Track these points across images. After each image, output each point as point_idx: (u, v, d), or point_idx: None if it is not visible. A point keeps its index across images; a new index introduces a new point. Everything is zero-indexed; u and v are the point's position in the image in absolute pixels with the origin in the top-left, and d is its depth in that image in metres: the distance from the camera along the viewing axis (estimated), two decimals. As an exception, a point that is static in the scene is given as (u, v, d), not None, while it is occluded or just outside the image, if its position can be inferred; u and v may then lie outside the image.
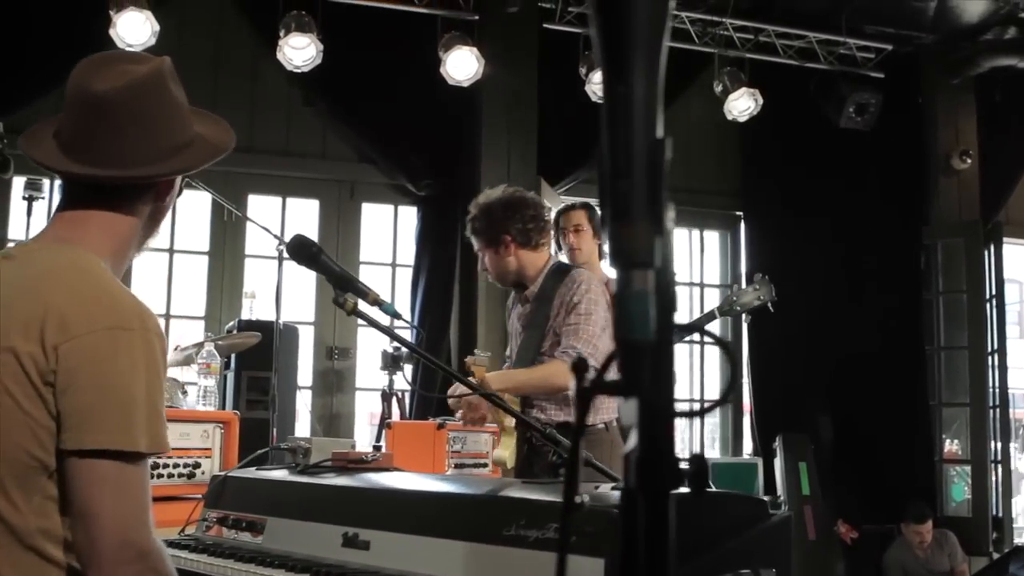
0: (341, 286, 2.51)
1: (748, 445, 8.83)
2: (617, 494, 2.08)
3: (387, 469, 2.84)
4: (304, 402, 7.76)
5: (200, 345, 4.85)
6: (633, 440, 0.76)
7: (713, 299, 9.05)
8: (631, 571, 0.73)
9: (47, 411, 1.80)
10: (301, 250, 2.56)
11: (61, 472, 1.82)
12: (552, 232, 5.28)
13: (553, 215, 5.50)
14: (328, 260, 2.54)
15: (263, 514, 2.69)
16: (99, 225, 2.01)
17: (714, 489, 2.41)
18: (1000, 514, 8.97)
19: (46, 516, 1.83)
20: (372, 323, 2.55)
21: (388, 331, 2.62)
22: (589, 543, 1.90)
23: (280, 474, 2.87)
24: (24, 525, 1.81)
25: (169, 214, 2.19)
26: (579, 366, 0.79)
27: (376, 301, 2.54)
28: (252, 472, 2.95)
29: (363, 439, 7.37)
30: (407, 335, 7.46)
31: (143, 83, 2.00)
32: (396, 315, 2.63)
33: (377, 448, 2.87)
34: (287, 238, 5.86)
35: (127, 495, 1.80)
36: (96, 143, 1.99)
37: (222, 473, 3.02)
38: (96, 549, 1.78)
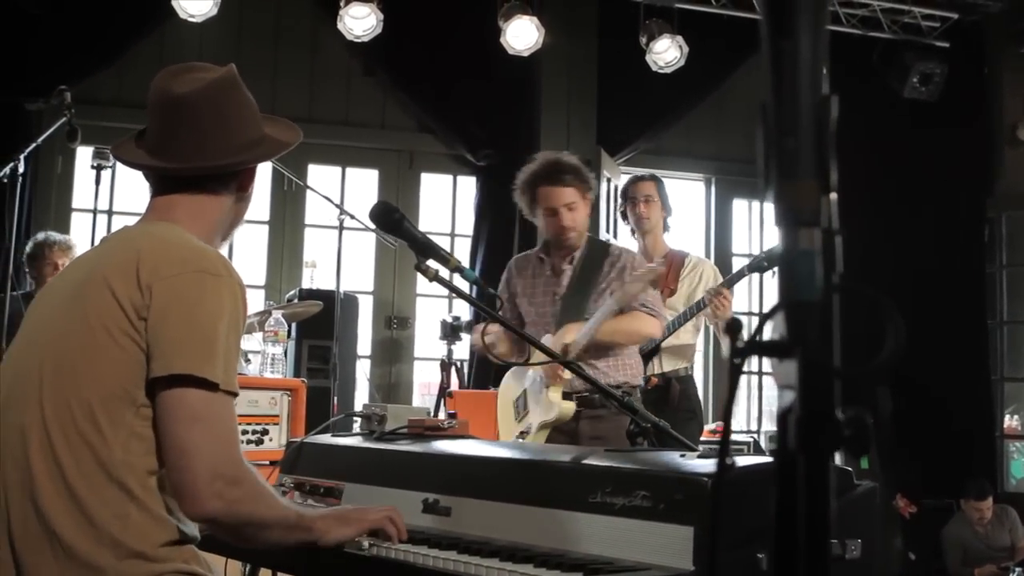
0: (423, 253, 2.51)
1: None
2: (702, 462, 2.08)
3: (464, 437, 2.85)
4: (363, 371, 7.80)
5: (267, 313, 4.88)
6: (788, 400, 0.75)
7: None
8: (788, 536, 0.72)
9: (138, 344, 1.95)
10: (384, 216, 2.57)
11: (152, 407, 1.94)
12: (621, 201, 5.32)
13: (622, 186, 5.52)
14: (411, 226, 2.54)
15: (341, 480, 2.70)
16: (186, 208, 2.18)
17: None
18: (1062, 490, 8.87)
19: (130, 452, 1.94)
20: (453, 289, 2.55)
21: (469, 298, 2.62)
22: (678, 511, 1.90)
23: (356, 440, 2.88)
24: (110, 457, 1.93)
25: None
26: (733, 326, 0.78)
27: (457, 268, 2.55)
28: (328, 438, 2.96)
29: (421, 408, 7.40)
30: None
31: (219, 85, 2.19)
32: (476, 282, 2.64)
33: (452, 416, 2.86)
34: (347, 207, 5.95)
35: (214, 429, 1.92)
36: (180, 140, 2.17)
37: (298, 439, 3.03)
38: (188, 482, 1.90)
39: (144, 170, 2.24)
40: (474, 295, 2.77)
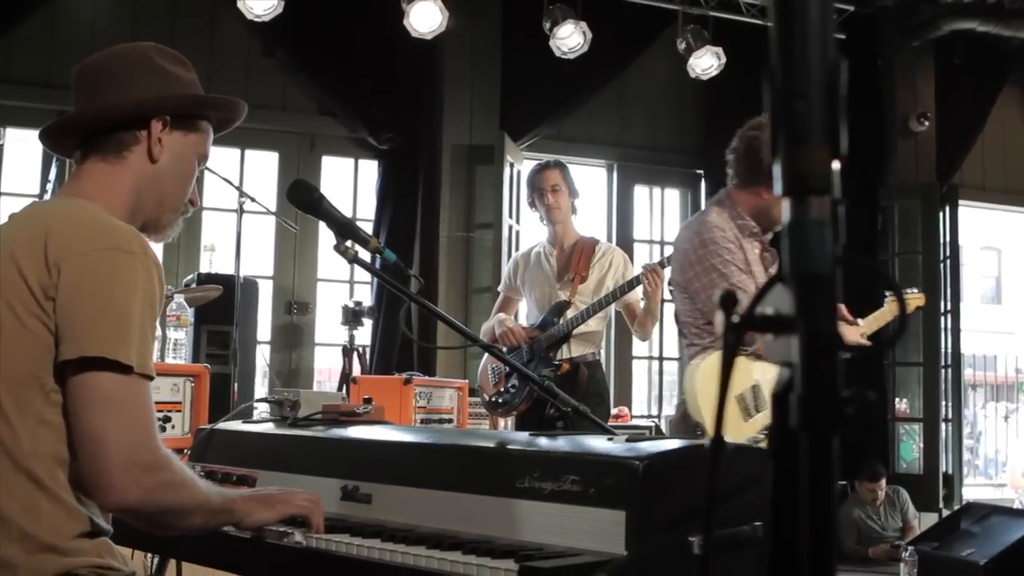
0: (343, 233, 2.45)
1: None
2: (631, 446, 2.06)
3: (380, 422, 2.79)
4: (263, 357, 7.66)
5: (168, 298, 4.75)
6: (783, 378, 0.72)
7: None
8: (789, 519, 0.69)
9: (46, 326, 1.85)
10: (303, 195, 2.50)
11: (63, 394, 1.85)
12: (528, 191, 5.26)
13: (526, 175, 5.47)
14: (330, 206, 2.48)
15: (254, 468, 2.62)
16: (94, 178, 2.09)
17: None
18: (951, 471, 9.13)
19: (39, 441, 1.85)
20: (373, 271, 2.49)
21: (389, 280, 2.57)
22: (610, 495, 1.86)
23: (269, 427, 2.79)
24: (17, 446, 1.83)
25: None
26: (728, 299, 0.75)
27: (377, 249, 2.49)
28: (239, 425, 2.87)
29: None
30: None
31: (119, 50, 2.16)
32: (396, 264, 2.58)
33: (368, 401, 2.80)
34: (246, 190, 5.82)
35: (129, 414, 1.83)
36: (77, 102, 2.13)
37: (207, 426, 2.93)
38: (103, 472, 1.80)
39: (43, 140, 2.20)
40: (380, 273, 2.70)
